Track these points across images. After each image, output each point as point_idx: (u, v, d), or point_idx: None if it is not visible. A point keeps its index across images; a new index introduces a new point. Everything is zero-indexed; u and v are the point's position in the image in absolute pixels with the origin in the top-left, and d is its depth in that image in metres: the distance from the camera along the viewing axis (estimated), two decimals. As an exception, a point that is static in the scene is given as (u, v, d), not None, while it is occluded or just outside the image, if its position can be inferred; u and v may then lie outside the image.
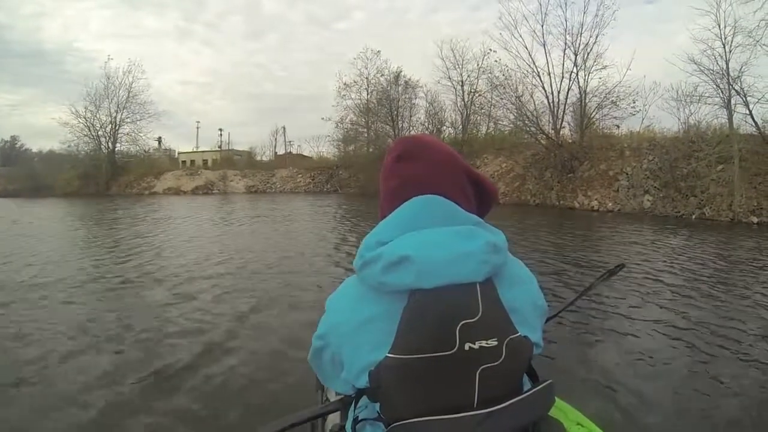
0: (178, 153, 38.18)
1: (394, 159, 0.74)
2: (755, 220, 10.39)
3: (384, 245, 0.64)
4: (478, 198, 0.77)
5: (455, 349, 0.59)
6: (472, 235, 0.64)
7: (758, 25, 11.41)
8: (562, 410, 0.80)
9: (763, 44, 11.36)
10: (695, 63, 12.38)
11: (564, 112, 16.54)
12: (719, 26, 12.02)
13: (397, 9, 66.02)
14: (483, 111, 22.13)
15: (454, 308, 0.60)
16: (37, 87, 64.54)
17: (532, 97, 16.91)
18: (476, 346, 0.60)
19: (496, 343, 0.61)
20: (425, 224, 0.66)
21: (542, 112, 16.77)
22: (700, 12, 12.28)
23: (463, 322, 0.59)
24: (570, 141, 16.38)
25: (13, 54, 55.42)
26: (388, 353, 0.60)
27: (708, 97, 12.84)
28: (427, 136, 0.78)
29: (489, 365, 0.62)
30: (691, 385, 2.42)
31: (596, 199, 14.02)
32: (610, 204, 13.58)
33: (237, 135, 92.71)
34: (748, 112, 11.68)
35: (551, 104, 16.49)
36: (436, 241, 0.63)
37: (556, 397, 0.70)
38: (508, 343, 0.62)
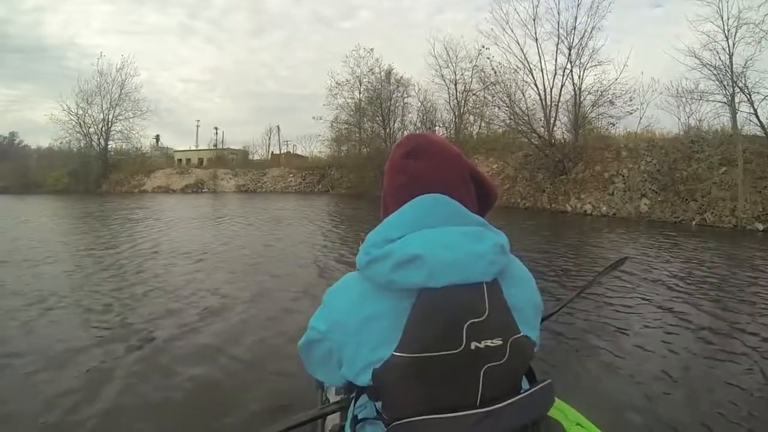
0: (174, 151, 37.80)
1: (403, 155, 0.73)
2: (760, 227, 9.59)
3: (392, 243, 0.63)
4: (479, 198, 0.76)
5: (461, 348, 0.59)
6: (481, 236, 0.64)
7: (763, 20, 10.58)
8: (561, 410, 0.78)
9: (771, 37, 10.49)
10: (696, 57, 11.50)
11: (557, 110, 15.73)
12: (722, 18, 11.15)
13: (402, 9, 64.85)
14: (476, 110, 21.37)
15: (463, 308, 0.60)
16: (37, 82, 64.17)
17: (524, 94, 16.09)
18: (482, 345, 0.60)
19: (500, 342, 0.61)
20: (433, 223, 0.65)
21: (534, 111, 15.93)
22: (702, 3, 11.41)
23: (471, 321, 0.59)
24: (563, 141, 15.53)
25: (12, 49, 55.28)
26: (395, 351, 0.59)
27: (710, 94, 11.95)
28: (435, 135, 0.79)
29: (493, 364, 0.61)
30: (690, 386, 2.39)
31: (590, 203, 13.21)
32: (604, 208, 12.77)
33: (235, 134, 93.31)
34: (752, 110, 10.82)
35: (543, 101, 15.68)
36: (446, 241, 0.62)
37: (555, 398, 0.70)
38: (512, 343, 0.62)
